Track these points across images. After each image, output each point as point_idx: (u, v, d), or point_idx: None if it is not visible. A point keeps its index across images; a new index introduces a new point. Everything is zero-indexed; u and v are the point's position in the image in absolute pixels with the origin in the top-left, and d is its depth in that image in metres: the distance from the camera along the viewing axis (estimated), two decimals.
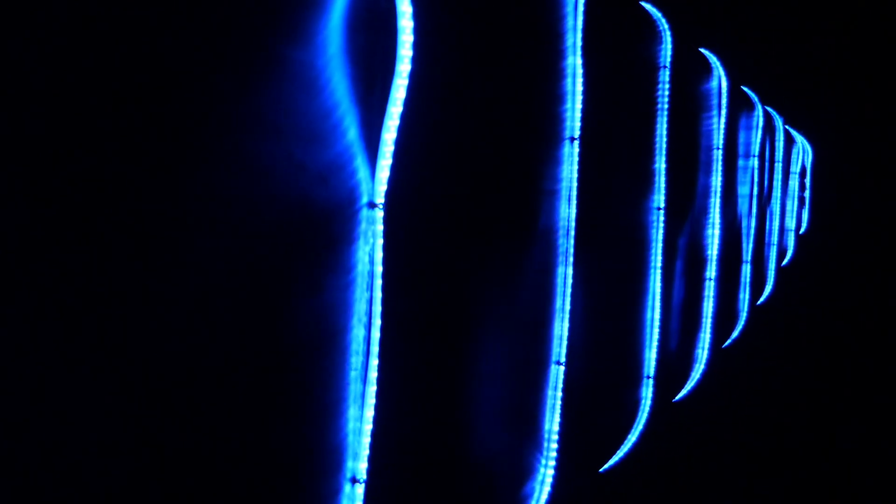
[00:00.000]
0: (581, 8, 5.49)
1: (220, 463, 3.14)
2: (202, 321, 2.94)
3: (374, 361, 3.60)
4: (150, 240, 2.67)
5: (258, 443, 3.33)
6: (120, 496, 2.70)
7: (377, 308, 3.58)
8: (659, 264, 7.46)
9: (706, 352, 9.88)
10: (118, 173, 2.51)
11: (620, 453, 7.35)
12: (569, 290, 5.51)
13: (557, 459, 5.47)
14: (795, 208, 18.01)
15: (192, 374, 2.95)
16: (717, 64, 9.57)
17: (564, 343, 5.56)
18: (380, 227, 3.53)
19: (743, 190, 11.92)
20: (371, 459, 3.63)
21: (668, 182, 7.54)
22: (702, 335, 9.96)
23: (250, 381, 3.23)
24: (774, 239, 15.29)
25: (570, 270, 5.48)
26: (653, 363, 7.61)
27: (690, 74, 8.86)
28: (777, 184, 15.27)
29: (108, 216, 2.50)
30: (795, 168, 17.77)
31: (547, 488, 5.45)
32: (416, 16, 3.47)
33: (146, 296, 2.68)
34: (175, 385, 2.87)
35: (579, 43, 5.49)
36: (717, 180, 9.78)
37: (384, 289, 3.57)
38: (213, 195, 2.89)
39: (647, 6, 7.37)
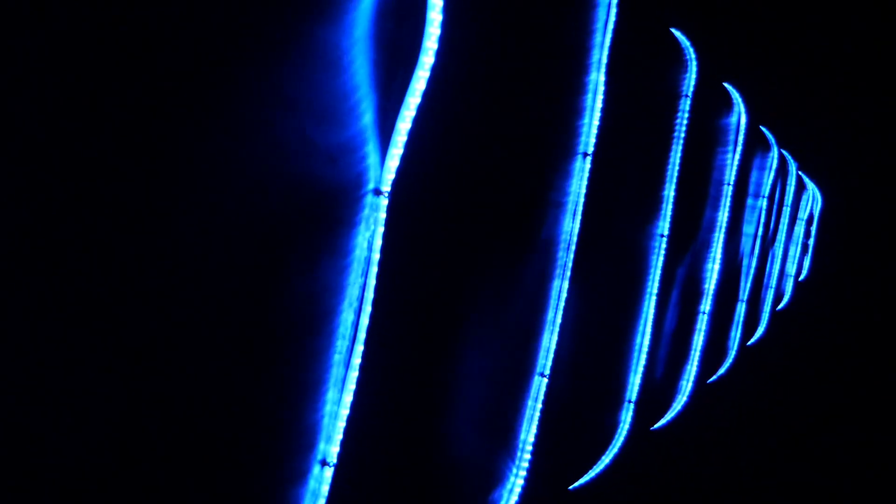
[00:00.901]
0: (611, 26, 5.49)
1: (191, 432, 3.14)
2: (191, 290, 2.94)
3: (360, 347, 3.60)
4: (146, 205, 2.66)
5: (232, 415, 3.32)
6: (91, 456, 2.70)
7: (369, 295, 3.57)
8: (655, 291, 7.46)
9: (690, 385, 9.87)
10: (125, 139, 2.52)
11: (592, 473, 7.34)
12: (562, 304, 5.51)
13: (529, 471, 5.46)
14: (798, 254, 18.00)
15: (175, 341, 2.95)
16: (739, 99, 9.57)
17: (551, 356, 5.55)
18: (382, 215, 3.53)
19: (748, 229, 11.92)
20: (344, 444, 3.62)
21: (674, 210, 7.54)
22: (688, 367, 9.95)
23: (232, 354, 3.23)
24: (773, 282, 15.28)
25: (565, 284, 5.48)
26: (636, 388, 7.60)
27: (711, 106, 8.86)
28: (783, 228, 15.26)
29: (109, 180, 2.50)
30: (803, 214, 17.77)
31: (514, 498, 5.44)
32: (446, 10, 3.47)
33: (137, 260, 2.68)
34: (158, 350, 2.87)
35: (605, 60, 5.49)
36: (723, 216, 9.78)
37: (379, 276, 3.57)
38: (217, 162, 2.89)
39: (677, 33, 7.37)
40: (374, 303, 3.57)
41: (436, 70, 3.50)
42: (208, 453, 3.24)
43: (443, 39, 3.48)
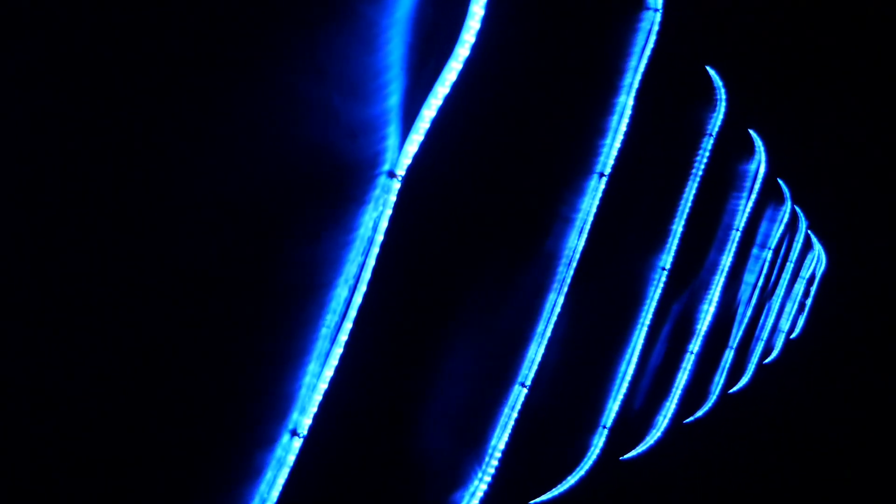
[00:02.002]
0: (648, 52, 5.49)
1: (167, 383, 3.13)
2: (187, 245, 2.94)
3: (348, 325, 3.60)
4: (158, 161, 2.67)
5: (211, 373, 3.32)
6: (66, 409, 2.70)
7: (366, 274, 3.57)
8: (647, 322, 7.46)
9: (667, 421, 9.87)
10: (145, 97, 2.52)
11: (555, 491, 7.33)
12: (554, 318, 5.51)
13: (494, 478, 5.46)
14: (794, 312, 17.99)
15: (169, 295, 2.95)
16: (761, 148, 9.57)
17: (535, 367, 5.55)
18: (392, 198, 3.53)
19: (749, 278, 11.91)
20: (317, 418, 3.62)
21: (679, 246, 7.54)
22: (667, 404, 9.94)
23: (222, 313, 3.22)
24: (765, 334, 15.27)
25: (560, 299, 5.48)
26: (612, 415, 7.60)
27: (733, 150, 8.86)
28: (783, 283, 15.25)
29: (130, 133, 2.50)
30: (805, 273, 17.76)
31: (475, 502, 5.44)
32: (489, 6, 3.47)
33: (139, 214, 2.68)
34: (153, 304, 2.87)
35: (636, 85, 5.49)
36: (726, 260, 9.78)
37: (379, 258, 3.57)
38: (235, 121, 2.89)
39: (712, 71, 7.37)
40: (370, 283, 3.57)
41: (469, 64, 3.50)
42: (181, 409, 3.24)
43: (481, 34, 3.48)
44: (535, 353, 5.49)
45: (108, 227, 2.59)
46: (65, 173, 2.38)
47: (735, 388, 14.43)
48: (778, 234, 12.18)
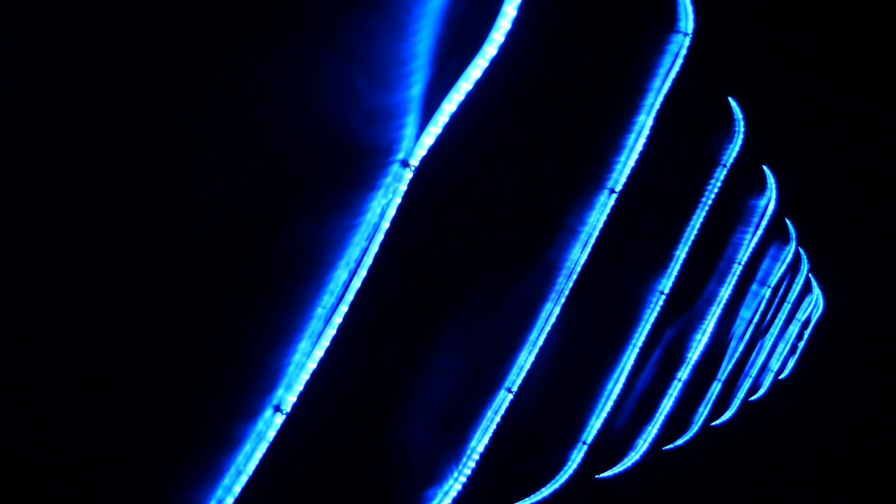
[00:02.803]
0: (672, 75, 5.50)
1: (158, 343, 3.14)
2: (195, 215, 2.94)
3: (344, 308, 3.60)
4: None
5: (201, 340, 3.32)
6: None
7: (368, 260, 3.58)
8: (640, 343, 7.46)
9: (646, 445, 9.87)
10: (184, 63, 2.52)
11: (528, 501, 7.34)
12: (548, 328, 5.51)
13: (469, 479, 5.46)
14: (785, 353, 17.98)
15: (167, 263, 2.95)
16: (773, 185, 9.58)
17: (523, 375, 5.55)
18: (403, 187, 3.53)
19: (745, 313, 11.91)
20: (302, 397, 3.62)
21: (680, 272, 7.54)
22: (649, 429, 9.94)
23: (221, 282, 3.22)
24: (754, 372, 15.28)
25: (557, 310, 5.48)
26: (594, 432, 7.60)
27: (745, 183, 8.86)
28: (778, 322, 15.25)
29: (150, 104, 2.51)
30: (801, 315, 17.75)
31: (448, 500, 5.44)
32: (521, 9, 3.48)
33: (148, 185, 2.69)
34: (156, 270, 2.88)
35: (657, 106, 5.49)
36: (725, 293, 9.78)
37: (382, 245, 3.58)
38: (254, 92, 2.89)
39: (733, 103, 7.38)
40: (371, 269, 3.58)
41: (495, 63, 3.51)
42: (169, 371, 3.24)
43: (510, 35, 3.48)
44: (525, 360, 5.49)
45: (110, 195, 2.59)
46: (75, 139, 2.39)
47: (718, 421, 14.43)
48: (779, 274, 12.18)
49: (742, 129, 7.61)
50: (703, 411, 12.45)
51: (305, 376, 3.61)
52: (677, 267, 7.45)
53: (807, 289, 16.79)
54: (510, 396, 5.51)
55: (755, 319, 12.42)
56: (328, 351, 3.60)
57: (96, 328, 2.81)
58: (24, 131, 2.26)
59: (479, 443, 5.45)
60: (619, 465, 9.65)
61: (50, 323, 2.67)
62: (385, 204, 3.55)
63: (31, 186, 2.34)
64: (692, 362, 9.69)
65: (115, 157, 2.54)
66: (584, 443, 7.60)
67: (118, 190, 2.60)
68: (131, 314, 2.92)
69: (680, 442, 12.15)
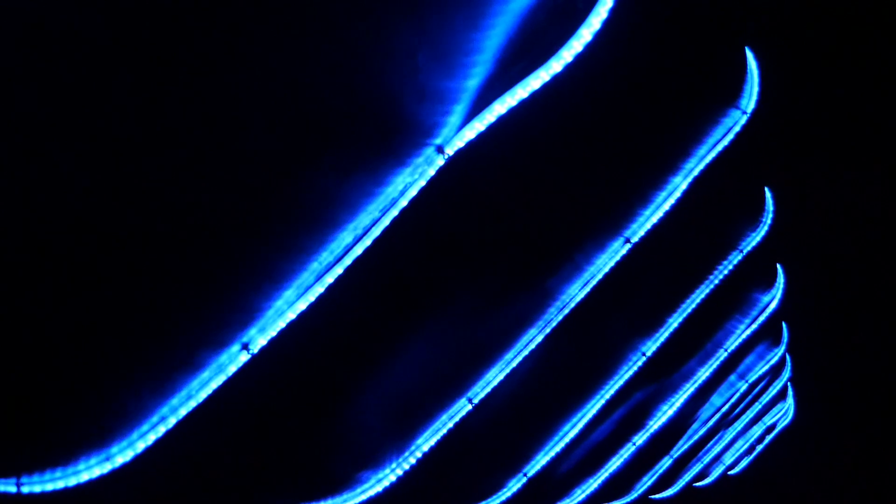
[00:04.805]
0: (719, 148, 5.49)
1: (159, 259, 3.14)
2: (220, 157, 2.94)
3: (339, 270, 3.60)
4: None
5: (190, 264, 3.30)
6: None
7: (377, 231, 3.57)
8: (607, 396, 7.44)
9: (583, 496, 9.84)
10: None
11: None
12: (525, 352, 5.50)
13: (406, 473, 5.44)
14: (742, 450, 17.93)
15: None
16: (781, 286, 9.55)
17: (487, 390, 5.54)
18: (432, 172, 3.53)
19: (716, 400, 11.89)
20: (272, 342, 3.61)
21: (667, 339, 7.52)
22: (590, 481, 9.91)
23: (225, 218, 3.21)
24: (707, 459, 15.23)
25: (539, 337, 5.47)
26: (538, 467, 7.58)
27: (755, 275, 8.84)
28: (745, 419, 15.22)
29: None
30: (768, 419, 17.70)
31: (379, 488, 5.42)
32: (598, 35, 3.47)
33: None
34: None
35: (696, 173, 5.48)
36: (704, 374, 9.76)
37: (394, 221, 3.57)
38: (315, 46, 2.88)
39: (769, 194, 7.36)
40: (376, 240, 3.57)
41: (556, 80, 3.50)
42: (153, 284, 3.23)
43: (578, 58, 3.47)
44: (495, 377, 5.48)
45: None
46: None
47: (657, 496, 14.39)
48: (760, 372, 12.15)
49: (769, 223, 7.58)
50: (647, 481, 12.42)
51: (282, 324, 3.60)
52: (666, 334, 7.44)
53: (782, 395, 16.74)
54: (469, 407, 5.49)
55: (724, 409, 12.39)
56: (311, 306, 3.59)
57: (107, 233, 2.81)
58: None
59: (427, 442, 5.43)
60: None
61: (55, 220, 2.66)
62: (409, 182, 3.54)
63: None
64: (651, 430, 9.67)
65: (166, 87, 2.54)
66: (525, 475, 7.58)
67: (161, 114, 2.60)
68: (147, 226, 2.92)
69: None
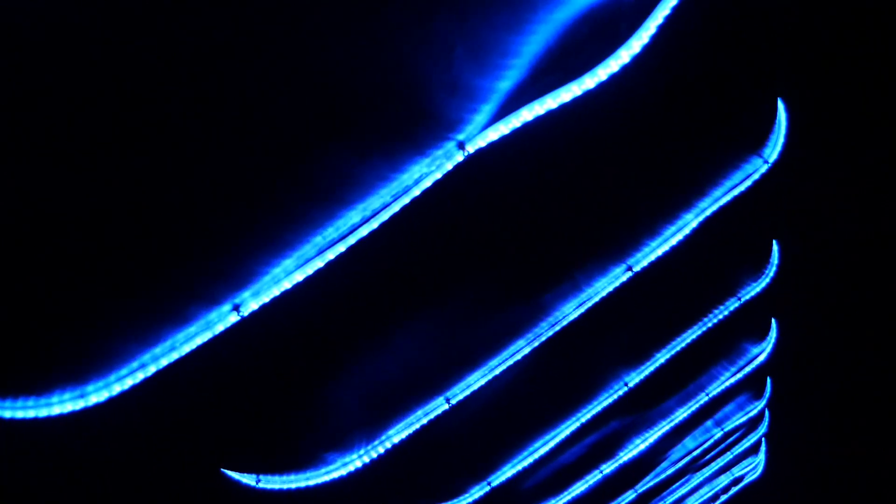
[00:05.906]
0: (735, 192, 5.48)
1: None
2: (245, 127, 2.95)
3: (342, 248, 3.59)
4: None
5: (197, 224, 3.31)
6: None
7: (385, 215, 3.57)
8: (584, 419, 7.44)
9: None
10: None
11: None
12: (510, 362, 5.50)
13: (372, 462, 5.44)
14: (706, 497, 17.92)
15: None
16: (773, 341, 9.55)
17: (466, 393, 5.54)
18: (449, 166, 3.53)
19: (689, 443, 11.88)
20: (263, 308, 3.61)
21: (651, 374, 7.52)
22: (552, 502, 9.89)
23: (234, 184, 3.22)
24: (670, 500, 15.22)
25: (527, 350, 5.47)
26: (503, 478, 7.57)
27: (748, 326, 8.84)
28: (714, 467, 15.20)
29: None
30: (737, 471, 17.70)
31: (343, 472, 5.41)
32: (636, 59, 3.46)
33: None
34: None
35: (708, 213, 5.48)
36: (681, 414, 9.76)
37: (403, 209, 3.56)
38: (353, 26, 2.88)
39: (776, 247, 7.35)
40: (383, 225, 3.57)
41: (587, 95, 3.50)
42: (157, 235, 3.23)
43: (613, 77, 3.47)
44: (476, 381, 5.47)
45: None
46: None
47: None
48: (737, 422, 12.15)
49: (771, 276, 7.58)
50: None
51: (276, 291, 3.60)
52: (651, 368, 7.43)
53: (754, 449, 16.73)
54: (446, 406, 5.49)
55: (695, 452, 12.38)
56: (308, 278, 3.59)
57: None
58: None
59: (398, 434, 5.43)
60: None
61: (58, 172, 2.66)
62: (425, 173, 3.54)
63: None
64: (621, 461, 9.67)
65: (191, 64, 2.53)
66: (489, 483, 7.57)
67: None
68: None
69: None
